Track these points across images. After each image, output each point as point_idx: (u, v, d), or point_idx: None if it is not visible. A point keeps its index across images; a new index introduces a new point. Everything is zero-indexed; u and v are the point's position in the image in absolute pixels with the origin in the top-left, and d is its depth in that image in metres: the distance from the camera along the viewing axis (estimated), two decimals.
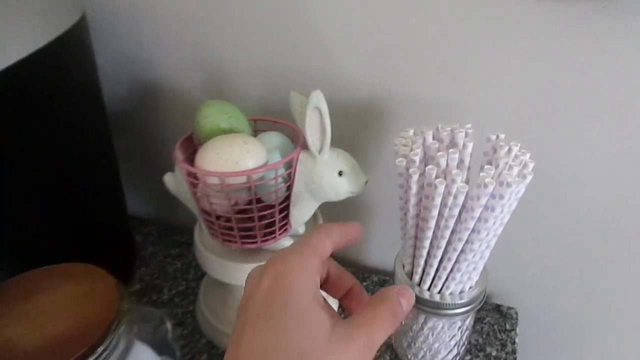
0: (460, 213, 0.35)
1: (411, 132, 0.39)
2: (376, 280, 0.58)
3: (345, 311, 0.51)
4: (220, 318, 0.50)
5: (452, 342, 0.43)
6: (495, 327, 0.52)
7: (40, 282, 0.36)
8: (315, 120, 0.39)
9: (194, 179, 0.40)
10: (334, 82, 0.50)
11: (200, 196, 0.42)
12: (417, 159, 0.36)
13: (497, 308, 0.54)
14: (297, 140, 0.43)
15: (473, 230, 0.35)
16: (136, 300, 0.56)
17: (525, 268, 0.54)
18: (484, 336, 0.51)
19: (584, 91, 0.42)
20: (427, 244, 0.38)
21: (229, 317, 0.50)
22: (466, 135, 0.37)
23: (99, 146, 0.56)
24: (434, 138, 0.38)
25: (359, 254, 0.62)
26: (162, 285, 0.58)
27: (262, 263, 0.27)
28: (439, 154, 0.35)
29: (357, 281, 0.31)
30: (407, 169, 0.35)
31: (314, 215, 0.51)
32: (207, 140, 0.41)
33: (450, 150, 0.35)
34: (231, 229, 0.43)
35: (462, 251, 0.37)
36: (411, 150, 0.36)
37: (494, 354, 0.49)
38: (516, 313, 0.54)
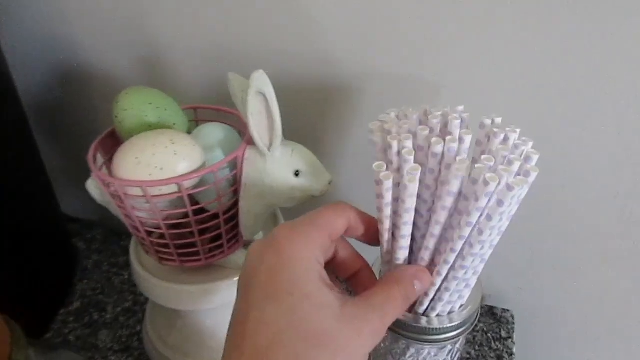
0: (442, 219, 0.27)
1: (393, 114, 0.31)
2: None
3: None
4: (168, 344, 0.42)
5: None
6: (490, 335, 0.45)
7: None
8: (260, 108, 0.31)
9: (112, 189, 0.32)
10: (286, 60, 0.42)
11: (127, 210, 0.33)
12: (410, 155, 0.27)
13: (491, 311, 0.48)
14: (245, 132, 0.35)
15: (465, 243, 0.28)
16: (75, 321, 0.48)
17: (520, 265, 0.47)
18: (477, 347, 0.44)
19: (593, 66, 0.34)
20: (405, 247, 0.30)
21: (179, 343, 0.42)
22: (462, 121, 0.29)
23: (17, 143, 0.47)
24: (421, 124, 0.30)
25: None
26: (106, 302, 0.50)
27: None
28: (433, 140, 0.27)
29: (368, 263, 0.30)
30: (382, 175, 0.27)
31: (274, 216, 0.43)
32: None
33: (448, 137, 0.27)
34: (167, 246, 0.35)
35: (452, 268, 0.29)
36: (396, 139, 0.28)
37: None
38: (512, 316, 0.47)
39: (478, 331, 0.45)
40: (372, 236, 0.28)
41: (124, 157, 0.31)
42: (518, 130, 0.28)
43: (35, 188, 0.49)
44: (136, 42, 0.46)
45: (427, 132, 0.28)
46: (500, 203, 0.25)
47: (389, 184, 0.26)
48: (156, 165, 0.30)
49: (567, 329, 0.49)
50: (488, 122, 0.29)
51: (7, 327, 0.28)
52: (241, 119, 0.37)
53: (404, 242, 0.29)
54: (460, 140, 0.28)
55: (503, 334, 0.45)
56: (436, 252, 0.30)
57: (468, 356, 0.43)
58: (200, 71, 0.46)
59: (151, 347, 0.43)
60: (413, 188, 0.27)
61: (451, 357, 0.36)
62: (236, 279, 0.37)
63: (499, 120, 0.29)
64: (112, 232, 0.60)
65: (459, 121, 0.28)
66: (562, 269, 0.46)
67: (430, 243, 0.29)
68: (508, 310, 0.47)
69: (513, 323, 0.46)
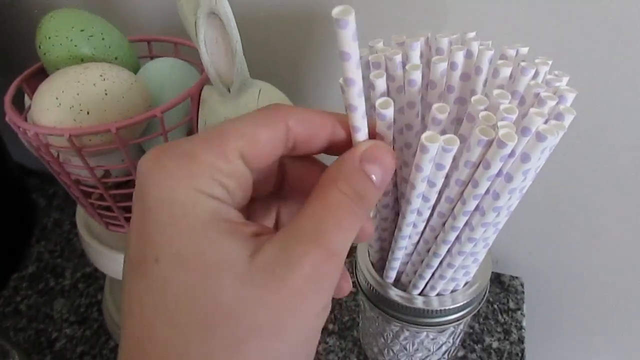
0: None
1: (380, 44, 0.24)
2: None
3: None
4: None
5: (442, 349, 0.31)
6: (496, 306, 0.40)
7: None
8: (215, 35, 0.24)
9: (32, 138, 0.25)
10: None
11: (55, 165, 0.27)
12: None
13: (498, 279, 0.42)
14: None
15: (475, 209, 0.21)
16: (28, 287, 0.43)
17: (531, 225, 0.41)
18: (482, 320, 0.39)
19: None
20: (410, 231, 0.24)
21: None
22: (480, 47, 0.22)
23: None
24: (422, 57, 0.23)
25: None
26: (65, 266, 0.45)
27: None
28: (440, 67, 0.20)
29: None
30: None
31: None
32: None
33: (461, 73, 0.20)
34: (111, 209, 0.29)
35: (456, 240, 0.23)
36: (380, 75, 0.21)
37: (494, 345, 0.37)
38: (522, 284, 0.42)
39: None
40: (336, 144, 0.18)
41: (42, 98, 0.24)
42: (550, 62, 0.21)
43: None
44: None
45: (443, 63, 0.21)
46: (525, 158, 0.18)
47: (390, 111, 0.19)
48: (81, 107, 0.23)
49: (582, 299, 0.44)
50: (512, 52, 0.22)
51: None
52: None
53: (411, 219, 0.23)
54: (486, 74, 0.21)
55: (511, 305, 0.40)
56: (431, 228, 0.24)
57: (471, 331, 0.38)
58: None
59: (110, 319, 0.38)
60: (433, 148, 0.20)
61: (453, 338, 0.30)
62: None
63: (524, 50, 0.22)
64: None
65: (487, 49, 0.21)
66: (582, 232, 0.40)
67: (436, 222, 0.23)
68: (517, 277, 0.42)
69: (522, 292, 0.41)
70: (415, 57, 0.22)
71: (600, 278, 0.42)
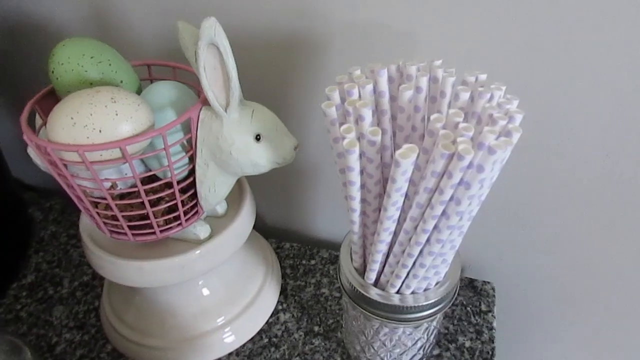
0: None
1: (357, 71, 0.27)
2: (326, 257, 0.48)
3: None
4: (124, 322, 0.39)
5: (417, 345, 0.34)
6: (469, 309, 0.43)
7: None
8: (214, 63, 0.27)
9: (46, 154, 0.28)
10: (246, 11, 0.38)
11: (66, 178, 0.29)
12: (366, 113, 0.24)
13: (471, 284, 0.45)
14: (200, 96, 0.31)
15: (441, 215, 0.25)
16: (28, 295, 0.45)
17: (501, 233, 0.45)
18: (455, 322, 0.42)
19: (586, 16, 0.31)
20: (387, 235, 0.27)
21: (136, 321, 0.39)
22: (444, 74, 0.25)
23: None
24: (393, 82, 0.27)
25: (304, 224, 0.51)
26: (63, 276, 0.47)
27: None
28: (405, 93, 0.24)
29: None
30: (343, 136, 0.24)
31: (239, 185, 0.39)
32: None
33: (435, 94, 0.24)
34: (116, 218, 0.31)
35: (426, 242, 0.26)
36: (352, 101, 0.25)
37: (467, 344, 0.40)
38: (493, 289, 0.45)
39: (457, 305, 0.43)
40: None
41: (58, 118, 0.27)
42: (504, 88, 0.25)
43: None
44: None
45: (410, 90, 0.25)
46: (480, 169, 0.22)
47: (355, 150, 0.23)
48: (94, 126, 0.26)
49: (549, 299, 0.48)
50: (471, 79, 0.26)
51: None
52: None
53: (389, 224, 0.26)
54: (450, 96, 0.25)
55: (483, 307, 0.43)
56: (405, 232, 0.27)
57: (446, 331, 0.41)
58: (154, 23, 0.41)
59: (108, 324, 0.40)
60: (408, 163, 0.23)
61: (427, 335, 0.33)
62: (197, 252, 0.34)
63: (483, 77, 0.26)
64: (72, 202, 0.56)
65: (449, 76, 0.25)
66: (544, 235, 0.43)
67: (409, 225, 0.26)
68: (489, 282, 0.45)
69: (494, 296, 0.44)
70: (383, 84, 0.25)
71: (565, 278, 0.46)
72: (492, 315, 0.43)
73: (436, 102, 0.26)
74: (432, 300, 0.30)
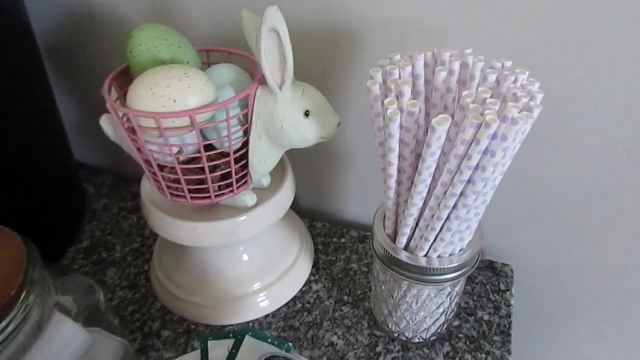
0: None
1: (397, 56, 0.31)
2: (355, 236, 0.52)
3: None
4: (174, 281, 0.44)
5: (440, 310, 0.38)
6: (488, 287, 0.46)
7: None
8: (273, 46, 0.31)
9: (125, 121, 0.33)
10: (297, 5, 0.42)
11: (139, 143, 0.34)
12: (406, 89, 0.27)
13: (491, 265, 0.49)
14: (256, 74, 0.35)
15: (468, 181, 0.28)
16: (84, 258, 0.50)
17: (520, 220, 0.48)
18: (475, 298, 0.45)
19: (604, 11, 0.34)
20: (419, 199, 0.31)
21: (185, 280, 0.43)
22: (474, 60, 0.29)
23: (31, 84, 0.47)
24: (428, 67, 0.31)
25: (335, 206, 0.55)
26: (115, 242, 0.52)
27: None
28: (441, 74, 0.27)
29: None
30: (386, 108, 0.28)
31: (282, 163, 0.43)
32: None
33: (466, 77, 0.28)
34: (178, 181, 0.36)
35: (454, 207, 0.30)
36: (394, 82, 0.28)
37: (486, 318, 0.43)
38: (511, 270, 0.48)
39: (477, 283, 0.47)
40: None
41: (139, 88, 0.31)
42: (527, 72, 0.29)
43: (48, 132, 0.50)
44: None
45: (444, 72, 0.28)
46: (504, 138, 0.25)
47: (396, 119, 0.27)
48: (170, 97, 0.31)
49: (565, 281, 0.50)
50: (498, 65, 0.29)
51: (23, 244, 0.29)
52: (253, 63, 0.38)
53: (422, 188, 0.30)
54: (479, 79, 0.28)
55: (502, 286, 0.46)
56: (435, 196, 0.31)
57: (466, 305, 0.44)
58: (211, 12, 0.46)
59: (158, 284, 0.45)
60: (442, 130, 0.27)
61: (450, 299, 0.37)
62: (244, 217, 0.38)
63: (508, 63, 0.30)
64: (121, 178, 0.61)
65: (479, 62, 0.29)
66: (561, 222, 0.46)
67: (439, 191, 0.30)
68: (507, 264, 0.48)
69: (512, 277, 0.47)
70: (420, 67, 0.29)
71: (583, 264, 0.49)
72: (510, 294, 0.46)
73: (466, 84, 0.30)
74: (456, 264, 0.33)
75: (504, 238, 0.49)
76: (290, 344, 0.31)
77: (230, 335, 0.34)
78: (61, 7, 0.51)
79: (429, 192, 0.31)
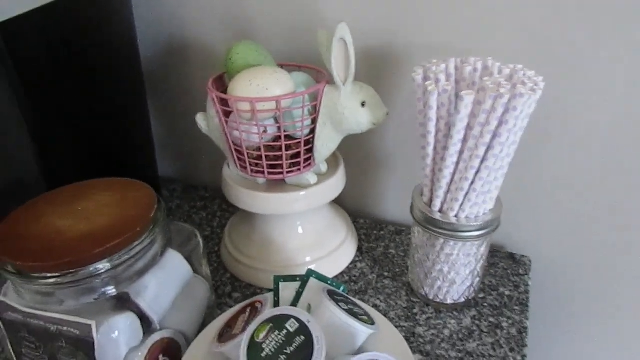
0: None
1: (434, 60, 0.42)
2: (393, 230, 0.61)
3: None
4: (244, 253, 0.53)
5: (467, 271, 0.45)
6: (509, 271, 0.54)
7: (88, 190, 0.39)
8: (341, 52, 0.42)
9: (225, 106, 0.43)
10: (356, 26, 0.53)
11: (231, 126, 0.44)
12: (442, 76, 0.38)
13: (511, 256, 0.56)
14: (321, 79, 0.46)
15: (488, 148, 0.37)
16: None
17: (540, 217, 0.56)
18: (498, 278, 0.53)
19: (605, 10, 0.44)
20: (451, 162, 0.40)
21: (253, 251, 0.52)
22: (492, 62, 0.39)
23: (134, 97, 0.59)
24: (457, 70, 0.41)
25: (375, 207, 0.64)
26: None
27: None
28: (466, 64, 0.38)
29: None
30: (427, 86, 0.38)
31: (335, 157, 0.53)
32: None
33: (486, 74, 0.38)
34: (260, 158, 0.46)
35: (477, 171, 0.39)
36: (433, 72, 0.39)
37: (507, 293, 0.51)
38: (530, 261, 0.55)
39: (499, 268, 0.54)
40: None
41: (241, 80, 0.42)
42: (533, 71, 0.38)
43: (142, 143, 0.61)
44: (229, 18, 0.59)
45: (470, 66, 0.39)
46: (514, 109, 0.35)
47: (435, 93, 0.36)
48: (264, 86, 0.41)
49: (582, 273, 0.57)
50: (512, 66, 0.40)
51: (155, 193, 0.39)
52: (317, 72, 0.49)
53: (454, 150, 0.39)
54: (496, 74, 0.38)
55: (520, 271, 0.54)
56: (463, 160, 0.40)
57: (490, 283, 0.52)
58: (280, 39, 0.57)
59: (229, 257, 0.54)
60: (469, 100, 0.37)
61: (475, 260, 0.45)
62: (302, 193, 0.48)
63: (520, 67, 0.40)
64: (190, 186, 0.72)
65: (496, 63, 0.39)
66: (576, 218, 0.54)
67: (466, 155, 0.39)
68: (526, 255, 0.56)
69: (530, 265, 0.55)
70: (451, 67, 0.39)
71: (598, 255, 0.55)
72: (528, 277, 0.53)
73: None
74: (480, 223, 0.42)
75: (523, 231, 0.57)
76: (344, 285, 0.40)
77: (297, 278, 0.42)
78: (163, 38, 0.64)
79: (459, 159, 0.40)
